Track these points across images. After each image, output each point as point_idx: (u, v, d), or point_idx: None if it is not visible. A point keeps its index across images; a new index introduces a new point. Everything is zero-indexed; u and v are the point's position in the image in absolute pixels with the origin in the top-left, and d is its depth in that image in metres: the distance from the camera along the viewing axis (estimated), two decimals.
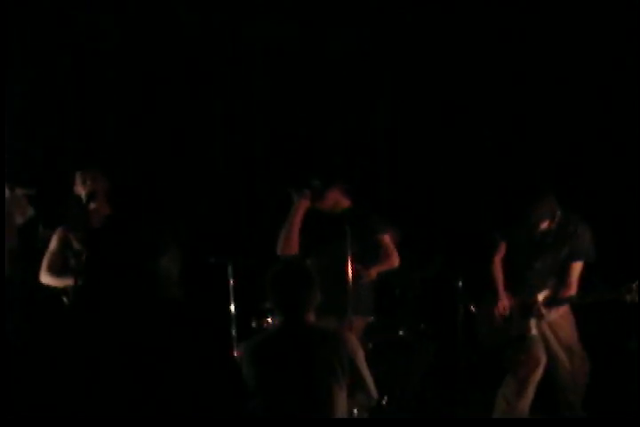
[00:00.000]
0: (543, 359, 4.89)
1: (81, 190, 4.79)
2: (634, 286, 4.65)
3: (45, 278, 4.81)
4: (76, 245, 4.76)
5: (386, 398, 5.42)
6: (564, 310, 4.98)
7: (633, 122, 5.91)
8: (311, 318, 3.58)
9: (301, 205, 4.91)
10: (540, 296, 4.92)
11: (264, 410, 3.38)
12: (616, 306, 5.71)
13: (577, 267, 4.95)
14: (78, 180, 4.82)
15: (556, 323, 4.97)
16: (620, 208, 5.93)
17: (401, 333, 5.75)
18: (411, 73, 6.44)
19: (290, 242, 4.89)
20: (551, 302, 4.90)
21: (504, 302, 4.97)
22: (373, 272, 4.92)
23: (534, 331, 4.90)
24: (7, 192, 5.67)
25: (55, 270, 4.78)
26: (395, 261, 5.03)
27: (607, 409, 5.07)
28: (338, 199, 5.01)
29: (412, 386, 5.70)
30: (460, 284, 5.88)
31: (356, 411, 3.88)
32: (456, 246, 6.05)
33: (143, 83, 6.49)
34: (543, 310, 4.87)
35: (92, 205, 4.75)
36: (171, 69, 6.50)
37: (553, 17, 6.09)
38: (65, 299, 4.66)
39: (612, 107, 6.02)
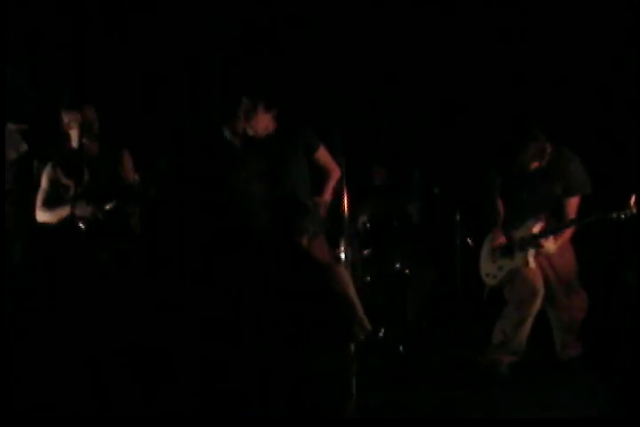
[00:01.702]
0: (541, 291, 4.89)
1: (68, 127, 4.75)
2: (631, 200, 4.60)
3: (40, 216, 4.81)
4: (65, 181, 4.74)
5: (383, 330, 5.45)
6: (563, 242, 4.94)
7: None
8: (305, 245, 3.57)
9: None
10: (535, 229, 4.88)
11: None
12: (612, 238, 5.72)
13: (574, 202, 4.92)
14: (65, 117, 4.76)
15: (555, 257, 4.95)
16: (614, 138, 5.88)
17: (398, 265, 5.76)
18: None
19: None
20: (549, 232, 4.87)
21: (500, 237, 4.98)
22: (327, 196, 4.73)
23: (533, 264, 4.89)
24: None
25: (48, 207, 4.76)
26: (337, 172, 4.83)
27: (604, 345, 5.09)
28: (269, 123, 4.79)
29: (410, 318, 5.74)
30: (458, 217, 5.88)
31: (352, 346, 3.85)
32: (453, 180, 6.02)
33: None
34: (542, 241, 4.85)
35: (83, 142, 4.71)
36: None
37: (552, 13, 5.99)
38: (81, 225, 4.64)
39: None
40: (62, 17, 6.29)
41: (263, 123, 4.75)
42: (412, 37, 6.40)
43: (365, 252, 5.72)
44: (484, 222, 5.16)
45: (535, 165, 4.86)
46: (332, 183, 4.80)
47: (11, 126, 5.63)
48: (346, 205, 4.80)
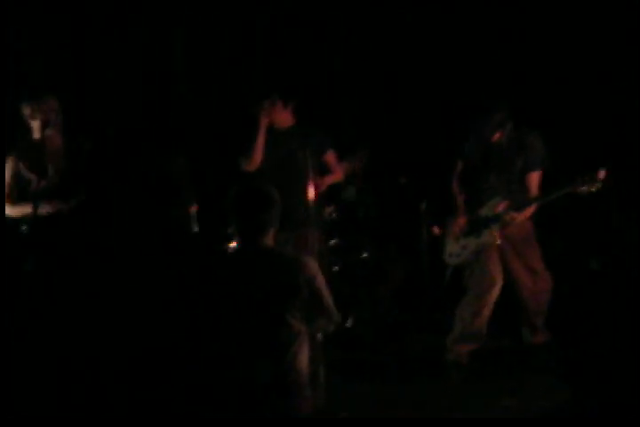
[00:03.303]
0: (499, 280, 4.90)
1: (31, 120, 4.67)
2: (599, 173, 4.60)
3: (6, 210, 4.73)
4: (27, 174, 4.67)
5: (350, 320, 5.47)
6: (525, 222, 4.95)
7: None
8: (270, 242, 3.53)
9: (264, 122, 5.08)
10: (500, 207, 4.87)
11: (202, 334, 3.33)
12: (578, 224, 5.77)
13: (535, 177, 4.92)
14: (27, 110, 4.69)
15: (517, 241, 4.95)
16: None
17: (366, 255, 5.78)
18: None
19: (257, 157, 5.07)
20: (514, 209, 4.86)
21: (462, 219, 4.98)
22: (326, 182, 5.19)
23: (498, 240, 4.88)
24: None
25: (11, 200, 4.70)
26: (340, 175, 5.37)
27: (571, 330, 5.15)
28: (288, 117, 5.19)
29: (377, 307, 5.76)
30: (424, 206, 5.89)
31: (320, 336, 3.86)
32: (420, 169, 6.04)
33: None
34: (511, 214, 4.82)
35: (46, 133, 4.65)
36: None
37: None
38: (24, 227, 4.59)
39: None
40: None
41: (282, 117, 5.15)
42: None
43: (332, 242, 5.74)
44: (449, 210, 5.18)
45: (497, 136, 4.87)
46: (331, 179, 5.23)
47: None
48: (313, 195, 4.82)
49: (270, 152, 5.10)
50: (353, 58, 6.66)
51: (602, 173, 4.60)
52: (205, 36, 6.48)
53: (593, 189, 4.63)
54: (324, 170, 5.20)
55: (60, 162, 4.70)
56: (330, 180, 5.22)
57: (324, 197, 5.27)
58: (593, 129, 5.72)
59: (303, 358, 3.36)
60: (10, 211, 4.71)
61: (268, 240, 3.48)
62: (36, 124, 4.66)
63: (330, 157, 5.24)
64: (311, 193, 4.71)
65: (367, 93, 6.68)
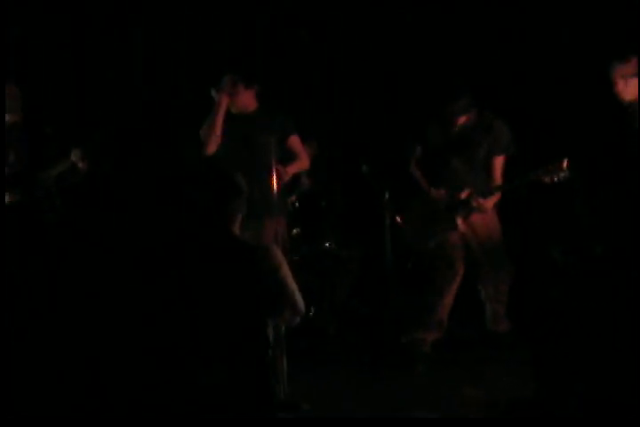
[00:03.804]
0: (461, 268, 4.89)
1: None
2: (564, 162, 4.60)
3: None
4: None
5: (313, 310, 5.42)
6: (490, 206, 4.91)
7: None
8: (236, 230, 3.46)
9: (223, 101, 4.86)
10: (463, 194, 4.85)
11: None
12: (540, 213, 5.76)
13: (499, 162, 4.92)
14: None
15: (479, 228, 4.93)
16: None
17: (327, 244, 5.73)
18: None
19: (214, 140, 4.87)
20: (479, 194, 4.83)
21: (435, 191, 4.91)
22: (290, 171, 4.95)
23: (462, 227, 4.86)
24: None
25: None
26: (306, 162, 5.11)
27: (531, 318, 5.14)
28: (249, 101, 4.97)
29: (339, 297, 5.72)
30: (387, 195, 5.83)
31: (283, 329, 3.79)
32: (382, 158, 5.98)
33: None
34: (477, 200, 4.79)
35: (5, 120, 4.56)
36: None
37: None
38: None
39: None
40: None
41: (243, 100, 4.89)
42: None
43: (294, 231, 5.68)
44: (410, 194, 5.12)
45: (462, 120, 4.83)
46: (295, 167, 5.01)
47: None
48: (275, 184, 4.75)
49: (229, 137, 4.89)
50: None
51: (565, 163, 4.60)
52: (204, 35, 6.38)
53: (556, 179, 4.63)
54: (287, 156, 4.98)
55: (21, 150, 4.62)
56: (294, 168, 5.00)
57: (288, 185, 5.20)
58: (558, 117, 5.71)
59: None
60: None
61: (234, 229, 3.42)
62: None
63: (294, 141, 5.00)
64: (274, 182, 4.64)
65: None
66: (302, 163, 5.06)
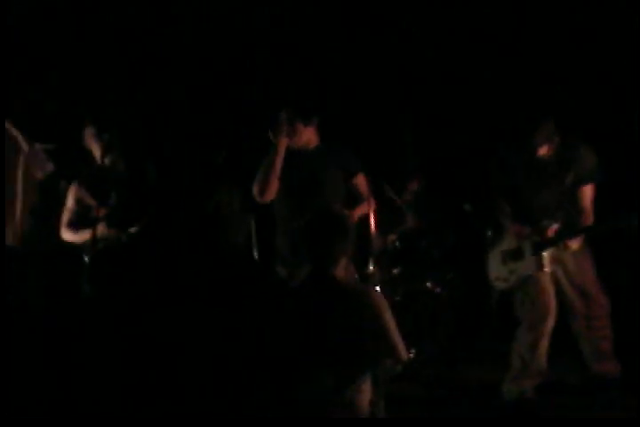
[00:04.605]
0: (552, 309, 4.65)
1: (91, 145, 4.69)
2: None
3: (65, 235, 4.77)
4: (90, 201, 4.67)
5: (413, 351, 5.33)
6: (578, 245, 4.67)
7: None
8: (340, 271, 3.39)
9: (282, 144, 4.51)
10: (550, 231, 4.60)
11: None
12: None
13: (587, 191, 4.63)
14: (88, 134, 4.71)
15: (569, 263, 4.71)
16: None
17: (429, 284, 5.65)
18: None
19: (272, 188, 4.51)
20: (566, 234, 4.60)
21: (520, 228, 4.68)
22: (356, 214, 4.56)
23: (548, 268, 4.64)
24: (26, 146, 5.62)
25: (73, 227, 4.72)
26: (371, 204, 4.69)
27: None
28: (310, 138, 4.65)
29: (441, 339, 5.62)
30: (490, 233, 5.73)
31: (381, 376, 3.68)
32: (483, 194, 5.88)
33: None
34: (566, 243, 4.58)
35: (107, 161, 4.65)
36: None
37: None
38: (85, 256, 4.59)
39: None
40: (80, 33, 6.26)
41: (304, 138, 4.60)
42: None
43: (395, 271, 5.62)
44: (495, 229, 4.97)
45: (544, 150, 4.62)
46: (360, 210, 4.65)
47: (37, 146, 5.62)
48: (373, 222, 4.71)
49: (289, 176, 4.54)
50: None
51: None
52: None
53: None
54: (351, 196, 4.64)
55: (123, 189, 4.71)
56: (360, 211, 4.61)
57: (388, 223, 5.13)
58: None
59: (364, 396, 3.24)
60: (70, 236, 4.73)
61: (339, 270, 3.36)
62: (96, 151, 4.69)
63: (359, 180, 4.65)
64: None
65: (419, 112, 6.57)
66: (368, 205, 4.68)
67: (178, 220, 4.75)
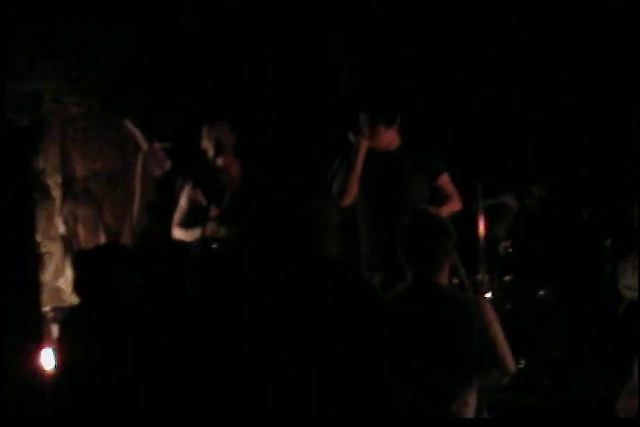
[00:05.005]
0: None
1: (207, 145, 4.74)
2: None
3: (176, 233, 4.84)
4: (204, 202, 4.72)
5: (523, 361, 5.20)
6: None
7: None
8: (444, 278, 3.28)
9: (363, 146, 4.37)
10: None
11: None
12: None
13: None
14: (205, 134, 4.76)
15: None
16: None
17: (542, 292, 5.50)
18: None
19: (353, 188, 4.37)
20: None
21: None
22: (443, 214, 4.31)
23: None
24: (145, 145, 5.75)
25: (185, 226, 4.78)
26: (458, 203, 4.52)
27: None
28: (392, 139, 4.49)
29: (553, 348, 5.48)
30: (609, 242, 5.54)
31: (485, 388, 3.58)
32: (603, 200, 5.70)
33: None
34: None
35: (220, 161, 4.69)
36: None
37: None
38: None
39: None
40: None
41: (385, 140, 4.47)
42: None
43: (507, 278, 5.50)
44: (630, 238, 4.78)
45: None
46: (448, 209, 4.47)
47: (156, 145, 5.75)
48: (482, 227, 4.61)
49: (371, 178, 4.40)
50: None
51: None
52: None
53: None
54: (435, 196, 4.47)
55: (236, 190, 4.73)
56: (447, 210, 4.40)
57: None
58: None
59: (470, 409, 3.15)
60: (181, 235, 4.80)
61: (443, 278, 3.23)
62: (210, 152, 4.73)
63: (444, 180, 4.50)
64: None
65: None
66: (455, 204, 4.51)
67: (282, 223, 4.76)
